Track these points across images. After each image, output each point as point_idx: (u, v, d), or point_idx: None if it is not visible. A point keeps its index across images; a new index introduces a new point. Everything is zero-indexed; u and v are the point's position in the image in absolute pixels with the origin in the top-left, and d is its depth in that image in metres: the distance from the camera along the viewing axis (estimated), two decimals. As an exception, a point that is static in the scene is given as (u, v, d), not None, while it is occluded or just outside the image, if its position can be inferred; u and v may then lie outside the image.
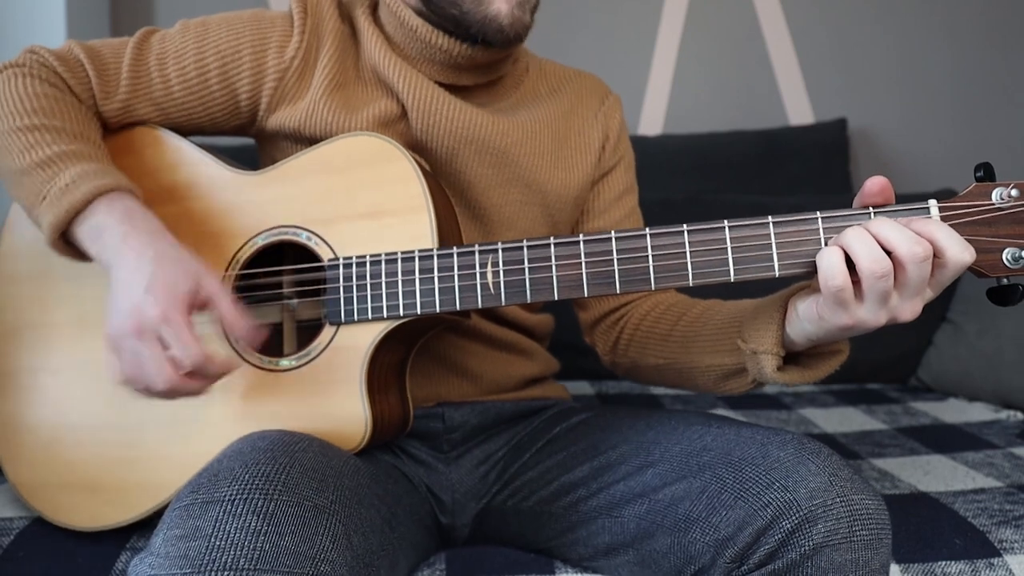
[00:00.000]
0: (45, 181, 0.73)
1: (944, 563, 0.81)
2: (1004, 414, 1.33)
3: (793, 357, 0.74)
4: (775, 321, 0.70)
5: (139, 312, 0.68)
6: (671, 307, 0.87)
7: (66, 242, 0.75)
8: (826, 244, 0.64)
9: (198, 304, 0.71)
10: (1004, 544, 0.83)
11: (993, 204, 0.63)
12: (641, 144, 1.70)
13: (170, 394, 0.69)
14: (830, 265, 0.62)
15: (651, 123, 1.90)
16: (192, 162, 0.84)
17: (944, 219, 0.63)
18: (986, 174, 0.64)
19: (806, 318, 0.67)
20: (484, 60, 0.84)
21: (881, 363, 1.55)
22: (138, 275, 0.69)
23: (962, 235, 0.62)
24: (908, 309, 0.63)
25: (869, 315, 0.63)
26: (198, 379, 0.69)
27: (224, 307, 0.71)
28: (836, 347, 0.73)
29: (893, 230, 0.61)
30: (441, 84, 0.85)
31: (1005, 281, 0.64)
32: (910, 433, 1.23)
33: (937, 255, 0.62)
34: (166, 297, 0.68)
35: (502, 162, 0.85)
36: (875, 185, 0.65)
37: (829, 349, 0.73)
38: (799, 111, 1.90)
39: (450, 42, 0.82)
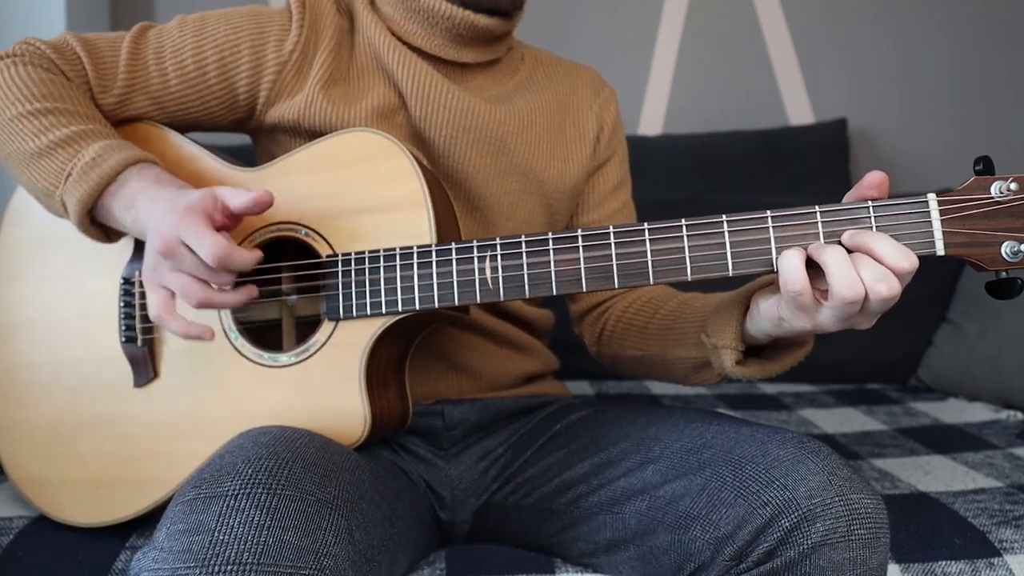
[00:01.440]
0: (67, 159, 0.74)
1: (944, 563, 0.81)
2: (1004, 414, 1.33)
3: (757, 349, 0.75)
4: (735, 317, 0.71)
5: (161, 232, 0.68)
6: (651, 300, 0.88)
7: (91, 220, 0.75)
8: (825, 238, 0.64)
9: (219, 213, 0.70)
10: (1004, 544, 0.83)
11: (992, 197, 0.63)
12: (641, 144, 1.71)
13: (206, 305, 0.68)
14: (789, 269, 0.62)
15: (651, 123, 1.90)
16: (192, 158, 0.83)
17: (943, 212, 0.63)
18: (985, 167, 0.64)
19: (766, 317, 0.68)
20: (485, 30, 0.84)
21: (881, 363, 1.55)
22: (164, 214, 0.69)
23: (961, 228, 0.63)
24: (866, 323, 0.64)
25: (829, 324, 0.63)
26: (228, 290, 0.69)
27: (240, 199, 0.69)
28: (799, 339, 0.73)
29: (867, 269, 0.60)
30: (441, 61, 0.85)
31: (1004, 274, 0.64)
32: (910, 433, 1.23)
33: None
34: (184, 209, 0.68)
35: (499, 151, 0.86)
36: (874, 178, 0.65)
37: (792, 341, 0.73)
38: (799, 111, 1.91)
39: (452, 8, 0.82)
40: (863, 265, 0.61)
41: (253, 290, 0.73)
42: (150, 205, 0.72)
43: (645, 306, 0.88)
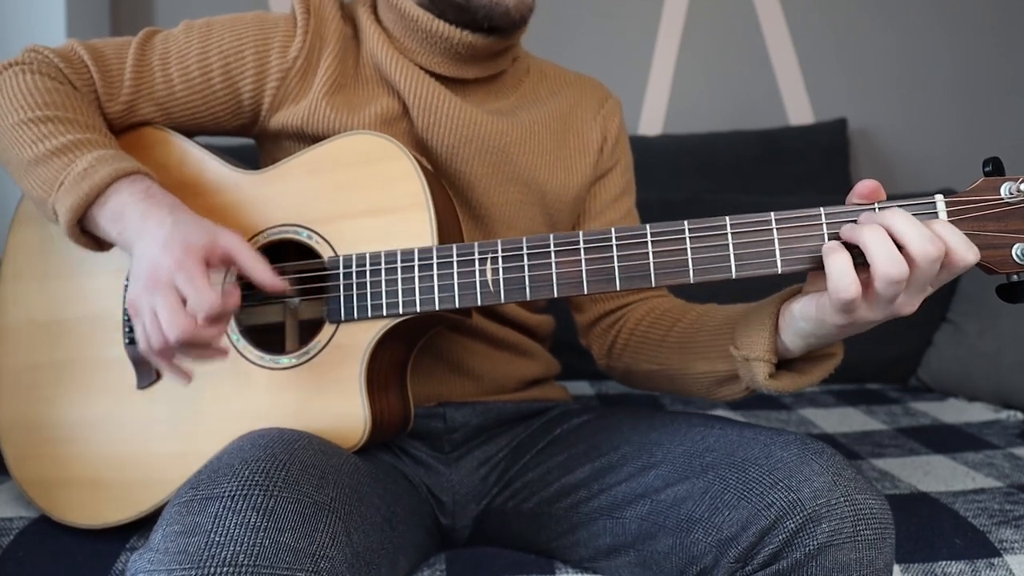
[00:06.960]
0: (61, 168, 0.74)
1: (944, 563, 0.81)
2: (1004, 414, 1.33)
3: (787, 362, 0.73)
4: (767, 327, 0.69)
5: (154, 266, 0.68)
6: (666, 312, 0.87)
7: (82, 230, 0.75)
8: (830, 239, 0.63)
9: (216, 259, 0.70)
10: (1004, 544, 0.83)
11: (1002, 199, 0.61)
12: (641, 144, 1.71)
13: (188, 344, 0.67)
14: (841, 275, 0.60)
15: (651, 123, 1.90)
16: (195, 161, 0.84)
17: (951, 214, 0.62)
18: (994, 168, 0.62)
19: (803, 316, 0.66)
20: (484, 49, 0.84)
21: (881, 363, 1.55)
22: (155, 241, 0.69)
23: (970, 230, 0.61)
24: (910, 305, 0.62)
25: (871, 315, 0.62)
26: (212, 326, 0.68)
27: (245, 259, 0.71)
28: (829, 350, 0.72)
29: (908, 225, 0.59)
30: (443, 77, 0.85)
31: (1015, 278, 0.62)
32: (910, 433, 1.23)
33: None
34: (180, 248, 0.68)
35: (501, 161, 0.86)
36: (865, 188, 0.64)
37: (822, 353, 0.72)
38: (799, 111, 1.91)
39: (451, 30, 0.82)
40: (904, 232, 0.58)
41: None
42: (138, 222, 0.71)
43: (661, 318, 0.86)
